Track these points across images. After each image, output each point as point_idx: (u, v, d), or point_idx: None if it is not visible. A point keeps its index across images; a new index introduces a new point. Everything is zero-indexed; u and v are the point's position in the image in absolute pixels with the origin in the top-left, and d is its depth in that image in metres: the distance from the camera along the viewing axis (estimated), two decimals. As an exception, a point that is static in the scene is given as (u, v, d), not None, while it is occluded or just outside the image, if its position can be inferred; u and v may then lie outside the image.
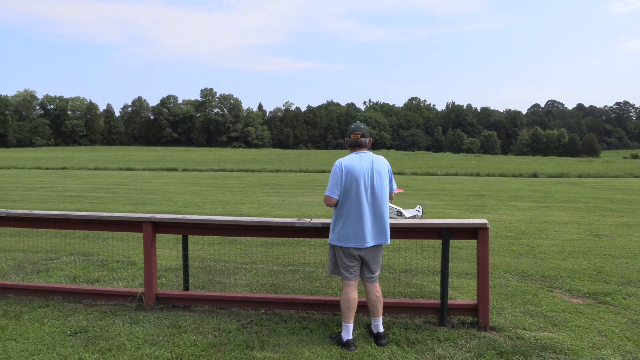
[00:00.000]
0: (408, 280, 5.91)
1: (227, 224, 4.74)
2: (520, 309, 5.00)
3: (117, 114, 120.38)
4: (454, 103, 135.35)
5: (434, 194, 16.86)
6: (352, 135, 3.97)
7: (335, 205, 3.91)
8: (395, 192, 15.03)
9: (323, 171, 30.49)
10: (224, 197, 15.79)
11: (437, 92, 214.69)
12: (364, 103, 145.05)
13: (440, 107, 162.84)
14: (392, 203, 12.96)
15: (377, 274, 4.13)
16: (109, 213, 5.09)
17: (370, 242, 3.92)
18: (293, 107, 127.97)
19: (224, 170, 31.68)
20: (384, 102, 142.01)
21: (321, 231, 4.59)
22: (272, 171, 31.16)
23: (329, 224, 4.48)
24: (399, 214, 12.04)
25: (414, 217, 11.86)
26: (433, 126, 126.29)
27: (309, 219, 4.58)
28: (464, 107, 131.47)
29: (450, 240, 4.50)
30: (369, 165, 3.92)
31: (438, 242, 7.36)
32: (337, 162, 3.89)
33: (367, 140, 4.02)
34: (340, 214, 3.90)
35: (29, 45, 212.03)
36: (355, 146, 3.98)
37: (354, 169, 3.86)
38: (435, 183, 21.76)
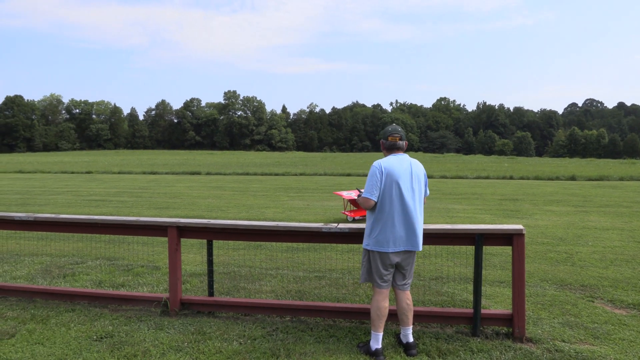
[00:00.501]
0: (439, 288, 5.84)
1: (253, 229, 4.78)
2: (558, 319, 4.86)
3: (141, 117, 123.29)
4: (485, 103, 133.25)
5: (465, 198, 16.62)
6: (389, 138, 3.99)
7: (373, 208, 3.90)
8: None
9: (349, 174, 30.44)
10: (247, 201, 15.93)
11: (467, 92, 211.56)
12: (391, 104, 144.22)
13: (471, 107, 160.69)
14: None
15: (410, 281, 4.11)
16: (134, 217, 5.20)
17: (408, 246, 3.90)
18: (317, 109, 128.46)
19: (247, 174, 31.98)
20: (411, 103, 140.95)
21: (348, 237, 4.57)
22: (296, 174, 31.28)
23: (357, 229, 4.46)
24: None
25: None
26: (463, 127, 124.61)
27: (335, 224, 4.57)
28: (496, 107, 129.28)
29: (484, 247, 4.42)
30: (408, 167, 3.94)
31: (470, 249, 7.25)
32: (375, 164, 3.91)
33: (404, 143, 4.04)
34: (378, 217, 3.90)
35: (55, 50, 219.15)
36: (393, 149, 4.00)
37: (394, 170, 3.87)
38: (465, 187, 21.46)
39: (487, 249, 7.59)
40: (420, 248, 4.00)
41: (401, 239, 3.87)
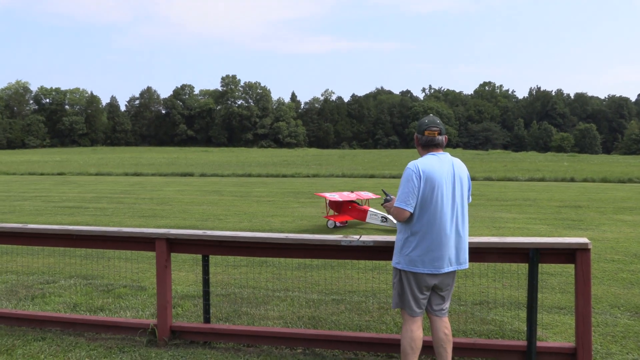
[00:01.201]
0: (484, 315, 5.80)
1: (256, 242, 4.79)
2: (633, 354, 4.79)
3: (123, 108, 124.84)
4: (539, 89, 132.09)
5: (515, 204, 16.50)
6: (426, 132, 3.95)
7: (407, 219, 3.88)
8: (372, 196, 15.15)
9: (372, 176, 30.47)
10: (250, 208, 16.02)
11: (517, 76, 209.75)
12: (423, 90, 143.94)
13: (522, 93, 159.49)
14: (372, 207, 13.43)
15: (448, 305, 4.09)
16: (115, 228, 5.25)
17: (449, 266, 3.87)
18: (334, 97, 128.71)
19: (249, 175, 32.19)
20: (448, 89, 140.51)
21: (373, 251, 4.55)
22: (308, 176, 31.40)
23: (384, 242, 4.44)
24: (384, 220, 12.52)
25: None
26: (512, 118, 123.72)
27: (357, 236, 4.55)
28: (553, 93, 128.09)
29: (539, 265, 4.37)
30: (450, 169, 3.90)
31: (522, 267, 7.16)
32: (411, 166, 3.86)
33: (444, 138, 4.00)
34: (415, 230, 3.86)
35: (20, 28, 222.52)
36: (430, 146, 3.96)
37: (434, 174, 3.81)
38: (515, 191, 21.28)
39: (543, 268, 7.50)
40: (466, 266, 3.97)
41: (441, 256, 3.84)
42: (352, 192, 13.75)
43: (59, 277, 7.62)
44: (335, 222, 12.57)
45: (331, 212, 13.38)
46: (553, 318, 5.74)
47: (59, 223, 13.01)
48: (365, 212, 12.75)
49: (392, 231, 12.26)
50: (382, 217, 12.43)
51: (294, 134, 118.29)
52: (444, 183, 3.84)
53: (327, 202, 13.12)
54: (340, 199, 12.89)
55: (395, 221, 4.09)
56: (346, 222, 13.09)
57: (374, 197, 14.32)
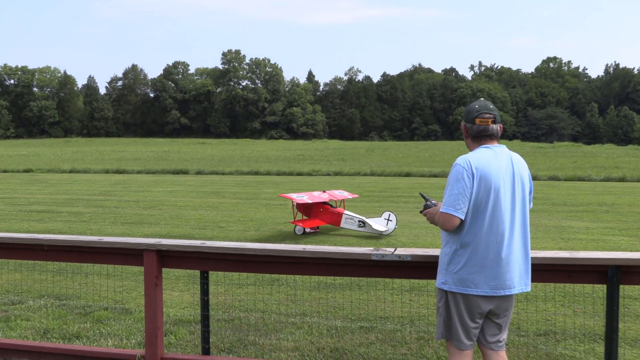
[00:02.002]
0: (550, 349, 5.76)
1: (266, 255, 4.79)
2: None
3: (102, 90, 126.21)
4: (617, 66, 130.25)
5: (588, 210, 16.33)
6: (477, 120, 3.95)
7: (456, 228, 3.85)
8: (349, 196, 15.35)
9: (408, 174, 30.39)
10: (257, 213, 16.10)
11: (589, 50, 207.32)
12: (471, 68, 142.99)
13: (596, 72, 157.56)
14: (348, 210, 13.62)
15: (505, 336, 4.07)
16: (94, 237, 5.29)
17: (509, 287, 3.83)
18: (360, 77, 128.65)
19: (256, 174, 32.30)
20: (502, 67, 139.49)
21: (411, 268, 4.53)
22: (328, 174, 31.41)
23: (425, 257, 4.41)
24: (362, 224, 12.84)
25: (383, 231, 12.55)
26: (583, 103, 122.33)
27: (391, 249, 4.53)
28: (635, 71, 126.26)
29: (621, 287, 4.30)
30: (508, 166, 3.90)
31: (598, 289, 7.07)
32: (461, 161, 3.86)
33: (499, 127, 3.99)
34: (466, 242, 3.86)
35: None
36: (483, 137, 3.96)
37: (489, 172, 3.82)
38: (588, 193, 21.05)
39: (625, 290, 7.39)
40: (529, 287, 3.94)
41: (499, 274, 3.79)
42: (323, 191, 13.96)
43: (26, 297, 7.71)
44: (304, 228, 12.80)
45: (300, 215, 13.60)
46: (638, 354, 5.68)
47: (27, 231, 13.18)
48: (340, 215, 12.95)
49: (369, 237, 12.42)
50: (359, 221, 12.70)
51: (311, 123, 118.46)
52: (502, 183, 3.80)
53: (294, 204, 13.38)
54: (310, 201, 13.10)
55: (442, 231, 4.04)
56: (317, 227, 13.32)
57: (350, 196, 14.46)
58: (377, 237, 12.41)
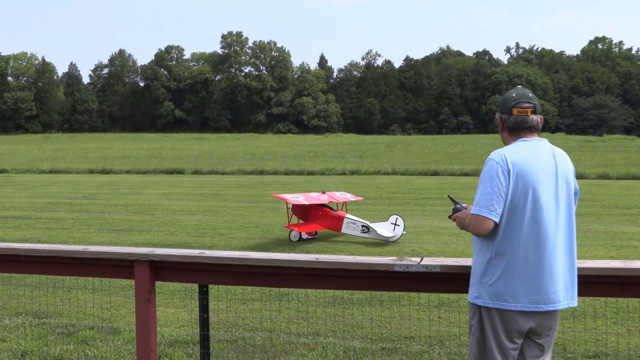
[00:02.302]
0: (600, 373, 5.72)
1: (274, 266, 4.79)
2: None
3: (86, 79, 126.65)
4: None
5: (643, 213, 16.22)
6: (515, 111, 3.95)
7: (490, 233, 3.85)
8: (352, 199, 15.60)
9: (434, 173, 30.33)
10: (263, 218, 16.15)
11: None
12: (507, 50, 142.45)
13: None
14: (349, 213, 13.63)
15: (549, 358, 4.05)
16: (78, 246, 5.31)
17: (553, 302, 3.82)
18: (380, 62, 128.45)
19: (262, 173, 32.34)
20: (543, 48, 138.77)
21: (440, 280, 4.51)
22: (344, 173, 31.42)
23: (456, 267, 4.40)
24: (365, 230, 12.89)
25: (389, 237, 12.58)
26: (637, 89, 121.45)
27: (417, 258, 4.52)
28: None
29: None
30: (551, 162, 3.89)
31: (655, 303, 7.04)
32: (495, 156, 3.87)
33: (539, 119, 4.00)
34: (502, 249, 3.86)
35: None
36: (522, 130, 3.98)
37: (529, 168, 3.83)
38: (643, 193, 20.89)
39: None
40: (576, 303, 3.93)
41: (541, 287, 3.78)
42: (322, 192, 14.01)
43: (1, 315, 7.75)
44: (300, 234, 12.88)
45: (295, 219, 13.61)
46: (701, 377, 5.64)
47: (1, 240, 13.27)
48: (341, 219, 12.99)
49: (373, 244, 12.40)
50: (362, 226, 12.77)
51: (323, 114, 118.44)
52: (543, 182, 3.79)
53: (290, 206, 13.42)
54: (307, 202, 13.14)
55: (474, 237, 4.02)
56: (315, 233, 13.39)
57: (353, 199, 14.44)
58: (397, 244, 12.40)
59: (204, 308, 5.00)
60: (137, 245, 11.97)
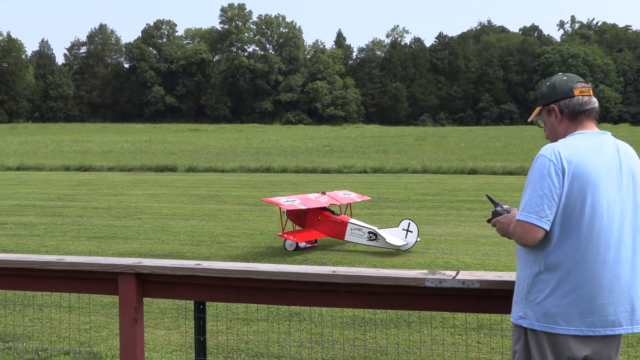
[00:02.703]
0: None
1: (283, 280, 4.80)
2: None
3: (60, 60, 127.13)
4: None
5: None
6: (577, 91, 3.97)
7: (540, 243, 3.84)
8: (358, 199, 15.54)
9: (472, 171, 30.21)
10: (269, 224, 16.17)
11: None
12: (560, 25, 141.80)
13: None
14: (355, 218, 13.64)
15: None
16: (52, 256, 5.32)
17: (616, 325, 3.81)
18: (407, 40, 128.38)
19: (268, 171, 32.31)
20: (603, 23, 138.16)
21: (479, 297, 4.50)
22: (365, 172, 31.44)
23: (500, 282, 4.40)
24: (373, 237, 12.89)
25: (400, 246, 12.62)
26: None
27: (452, 272, 4.52)
28: None
29: None
30: (614, 160, 3.88)
31: None
32: (547, 152, 3.85)
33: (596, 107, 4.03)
34: (553, 262, 3.85)
35: None
36: (585, 116, 3.99)
37: (587, 167, 3.81)
38: None
39: None
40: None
41: (601, 307, 3.79)
42: (322, 193, 14.02)
43: (-38, 336, 7.78)
44: (297, 243, 12.89)
45: (291, 226, 13.62)
46: None
47: (-38, 248, 13.33)
48: (344, 225, 13.01)
49: (400, 254, 12.23)
50: (369, 232, 12.77)
51: (340, 102, 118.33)
52: (605, 182, 3.77)
53: (284, 211, 13.38)
54: (304, 207, 13.10)
55: (519, 247, 4.01)
56: (315, 241, 13.44)
57: (358, 199, 14.42)
58: (427, 254, 12.38)
59: (200, 329, 5.02)
60: (122, 255, 12.03)
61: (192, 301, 5.00)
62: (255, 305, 7.93)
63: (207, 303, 5.02)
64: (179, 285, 5.04)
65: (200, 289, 5.00)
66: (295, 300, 4.94)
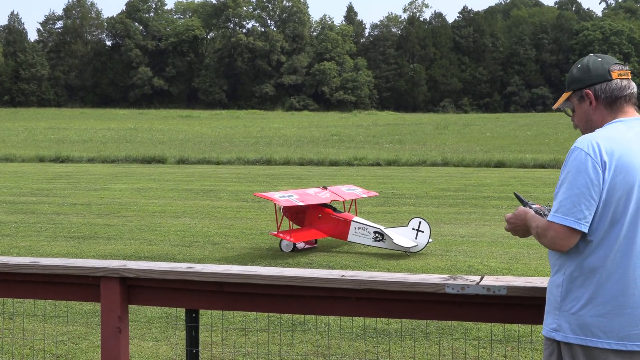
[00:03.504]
0: None
1: (285, 285, 4.81)
2: None
3: (33, 36, 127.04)
4: None
5: None
6: (616, 74, 3.95)
7: (577, 247, 3.83)
8: (363, 195, 15.56)
9: (499, 164, 30.14)
10: (270, 223, 16.01)
11: None
12: (602, 0, 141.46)
13: None
14: (359, 216, 13.70)
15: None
16: (25, 258, 5.34)
17: None
18: (427, 15, 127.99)
19: (269, 163, 32.26)
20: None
21: (506, 306, 4.51)
22: (378, 164, 31.43)
23: (529, 289, 4.41)
24: (379, 237, 12.95)
25: (410, 248, 12.64)
26: None
27: (476, 277, 4.52)
28: None
29: None
30: None
31: None
32: (583, 144, 3.80)
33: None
34: (591, 266, 3.83)
35: None
36: (624, 101, 3.97)
37: (631, 160, 3.78)
38: None
39: None
40: None
41: (641, 319, 3.75)
42: (324, 188, 14.07)
43: None
44: (294, 243, 12.96)
45: (287, 224, 13.66)
46: None
47: None
48: (347, 223, 13.02)
49: (416, 256, 12.22)
50: (375, 232, 12.80)
51: (351, 85, 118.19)
52: None
53: (280, 208, 13.38)
54: (302, 203, 13.11)
55: (551, 251, 4.01)
56: (315, 241, 13.51)
57: (364, 195, 14.49)
58: (448, 257, 12.38)
59: (192, 340, 5.04)
60: (104, 257, 12.05)
61: (184, 309, 5.02)
62: (254, 313, 7.94)
63: (200, 311, 5.03)
64: (168, 291, 5.05)
65: (193, 295, 5.01)
66: (299, 308, 4.95)
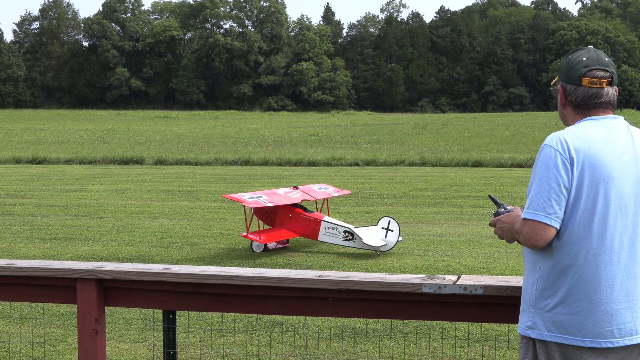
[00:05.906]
0: None
1: (263, 286, 4.81)
2: None
3: (9, 36, 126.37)
4: None
5: None
6: (586, 81, 3.94)
7: (550, 244, 3.84)
8: (335, 194, 15.75)
9: (477, 163, 30.27)
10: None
11: None
12: (578, 0, 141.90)
13: None
14: (329, 216, 13.80)
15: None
16: (1, 260, 5.32)
17: (637, 333, 3.83)
18: (405, 15, 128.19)
19: (247, 163, 32.25)
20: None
21: (483, 305, 4.52)
22: (356, 164, 31.45)
23: (506, 288, 4.43)
24: (349, 237, 13.03)
25: (379, 247, 12.72)
26: None
27: (453, 277, 4.53)
28: None
29: None
30: (628, 148, 3.88)
31: None
32: (553, 141, 3.84)
33: (614, 92, 3.99)
34: (564, 264, 3.86)
35: None
36: (593, 106, 3.98)
37: (599, 157, 3.81)
38: None
39: None
40: None
41: (616, 315, 3.80)
42: (294, 187, 14.08)
43: None
44: (265, 244, 13.02)
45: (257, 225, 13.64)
46: None
47: None
48: (318, 223, 13.08)
49: (393, 254, 12.26)
50: (345, 231, 12.84)
51: (329, 85, 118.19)
52: (618, 173, 3.79)
53: (250, 209, 13.37)
54: (271, 204, 13.15)
55: (525, 249, 4.01)
56: (287, 241, 13.56)
57: (336, 194, 14.56)
58: (426, 257, 12.41)
59: (170, 342, 5.03)
60: (81, 259, 12.03)
61: (161, 310, 5.01)
62: (232, 314, 7.94)
63: (178, 312, 5.03)
64: (145, 293, 5.03)
65: (170, 296, 5.00)
66: (277, 309, 4.94)
